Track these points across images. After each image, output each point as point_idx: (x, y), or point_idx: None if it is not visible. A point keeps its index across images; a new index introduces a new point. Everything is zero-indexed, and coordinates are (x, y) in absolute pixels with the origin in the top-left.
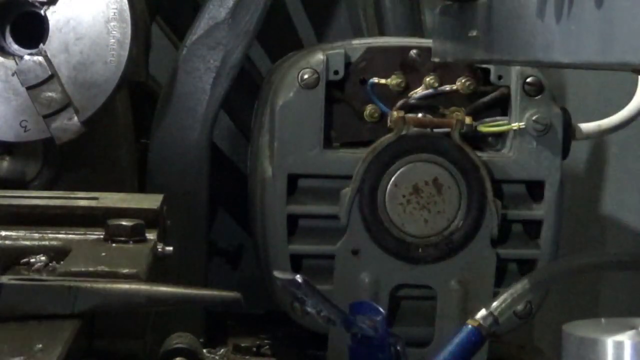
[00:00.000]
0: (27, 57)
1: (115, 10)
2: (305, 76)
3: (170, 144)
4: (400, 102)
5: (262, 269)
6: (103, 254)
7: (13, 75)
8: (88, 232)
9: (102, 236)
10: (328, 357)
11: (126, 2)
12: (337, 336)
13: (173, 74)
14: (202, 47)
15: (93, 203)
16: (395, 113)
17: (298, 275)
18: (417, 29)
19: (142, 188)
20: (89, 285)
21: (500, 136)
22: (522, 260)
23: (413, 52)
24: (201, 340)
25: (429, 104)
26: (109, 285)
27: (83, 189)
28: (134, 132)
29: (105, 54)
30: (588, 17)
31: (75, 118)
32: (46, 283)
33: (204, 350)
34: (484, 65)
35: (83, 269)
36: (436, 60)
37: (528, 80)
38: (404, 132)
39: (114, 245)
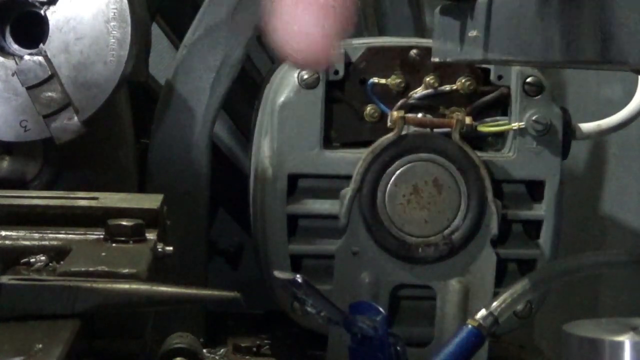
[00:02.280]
0: (27, 57)
1: (115, 10)
2: (305, 76)
3: (170, 144)
4: (400, 102)
5: (262, 269)
6: (103, 254)
7: (13, 75)
8: (88, 232)
9: (102, 236)
10: (328, 357)
11: (126, 2)
12: (337, 336)
13: (173, 74)
14: (202, 47)
15: (93, 203)
16: (395, 113)
17: (298, 275)
18: (417, 29)
19: (142, 188)
20: (89, 285)
21: (500, 136)
22: (522, 260)
23: (413, 52)
24: (201, 340)
25: (429, 104)
26: (109, 285)
27: (83, 189)
28: (134, 132)
29: (105, 54)
30: (588, 17)
31: (75, 118)
32: (46, 283)
33: (204, 350)
34: (484, 65)
35: (83, 269)
36: (436, 60)
37: (528, 80)
38: (404, 132)
39: (114, 245)
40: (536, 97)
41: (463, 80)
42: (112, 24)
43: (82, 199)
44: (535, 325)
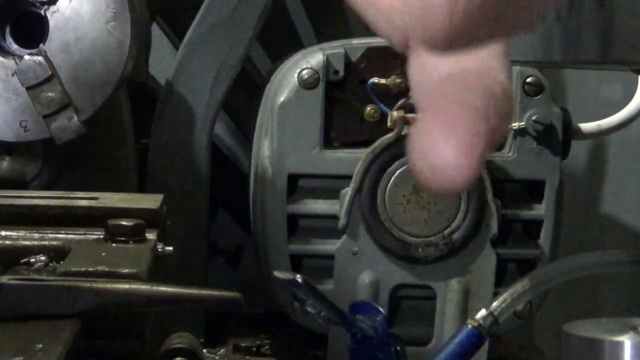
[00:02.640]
0: (27, 57)
1: (115, 10)
2: (305, 76)
3: (170, 144)
4: (400, 102)
5: (262, 269)
6: (103, 254)
7: (13, 75)
8: (88, 232)
9: (102, 236)
10: (328, 357)
11: (126, 2)
12: (337, 336)
13: (173, 74)
14: (202, 47)
15: (93, 203)
16: (395, 113)
17: (298, 275)
18: None
19: (142, 188)
20: (89, 285)
21: None
22: (522, 260)
23: None
24: (201, 340)
25: None
26: (109, 285)
27: (83, 189)
28: (134, 132)
29: (105, 54)
30: (588, 17)
31: (75, 118)
32: (46, 283)
33: (204, 350)
34: None
35: (83, 269)
36: None
37: (528, 80)
38: (404, 132)
39: (114, 245)
40: (536, 97)
41: None
42: (112, 24)
43: (82, 199)
44: (535, 325)
